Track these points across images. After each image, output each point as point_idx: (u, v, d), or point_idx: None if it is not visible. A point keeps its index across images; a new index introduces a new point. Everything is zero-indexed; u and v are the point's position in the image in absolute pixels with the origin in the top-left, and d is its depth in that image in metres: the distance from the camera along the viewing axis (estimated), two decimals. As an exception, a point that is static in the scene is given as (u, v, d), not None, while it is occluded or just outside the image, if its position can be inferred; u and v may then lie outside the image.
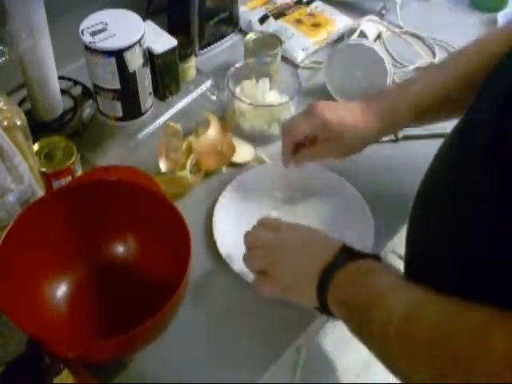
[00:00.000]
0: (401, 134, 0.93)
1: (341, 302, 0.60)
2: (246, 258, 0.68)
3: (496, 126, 0.47)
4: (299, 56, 1.06)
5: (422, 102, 0.74)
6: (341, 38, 1.11)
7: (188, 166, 0.84)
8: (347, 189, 0.84)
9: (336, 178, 0.85)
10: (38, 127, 0.86)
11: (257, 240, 0.68)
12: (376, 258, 0.62)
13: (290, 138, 0.77)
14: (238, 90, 0.94)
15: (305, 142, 0.77)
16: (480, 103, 0.54)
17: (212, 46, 1.08)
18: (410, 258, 0.66)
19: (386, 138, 0.94)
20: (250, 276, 0.70)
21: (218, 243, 0.76)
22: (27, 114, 0.74)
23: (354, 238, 0.78)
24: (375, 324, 0.54)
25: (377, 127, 0.75)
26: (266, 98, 0.94)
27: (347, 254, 0.61)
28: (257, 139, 0.91)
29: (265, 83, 0.94)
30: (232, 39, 1.11)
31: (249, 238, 0.69)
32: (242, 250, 0.69)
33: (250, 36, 1.01)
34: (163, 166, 0.84)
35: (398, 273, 0.60)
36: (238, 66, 0.94)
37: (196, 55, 1.03)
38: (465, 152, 0.53)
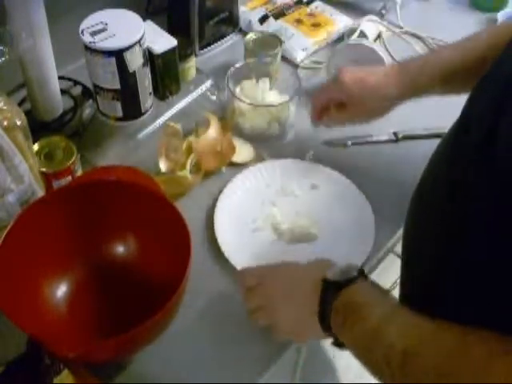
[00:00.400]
0: (401, 134, 0.94)
1: (345, 343, 0.59)
2: (245, 300, 0.68)
3: (491, 123, 0.47)
4: (299, 56, 1.06)
5: (450, 67, 0.75)
6: (341, 38, 1.11)
7: (188, 166, 0.84)
8: (348, 187, 0.84)
9: (337, 175, 0.86)
10: (38, 127, 0.86)
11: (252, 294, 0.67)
12: (360, 273, 0.60)
13: (317, 100, 0.85)
14: (238, 89, 0.94)
15: (330, 106, 0.83)
16: (475, 101, 0.54)
17: (212, 46, 1.08)
18: (407, 257, 0.66)
19: (386, 138, 0.94)
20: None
21: (219, 240, 0.77)
22: (27, 114, 0.74)
23: (354, 237, 0.79)
24: (378, 363, 0.53)
25: (398, 88, 0.78)
26: (266, 97, 0.94)
27: (331, 289, 0.59)
28: (257, 139, 0.92)
29: (265, 83, 0.94)
30: (232, 39, 1.11)
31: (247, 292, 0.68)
32: (243, 248, 0.70)
33: (250, 36, 1.01)
34: (163, 166, 0.84)
35: (385, 296, 0.58)
36: (237, 65, 0.94)
37: (196, 55, 1.03)
38: (461, 150, 0.53)
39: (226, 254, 0.75)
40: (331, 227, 0.80)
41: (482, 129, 0.48)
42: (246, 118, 0.92)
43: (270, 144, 0.92)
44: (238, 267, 0.73)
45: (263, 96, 0.93)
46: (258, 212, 0.81)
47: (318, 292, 0.59)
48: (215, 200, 0.82)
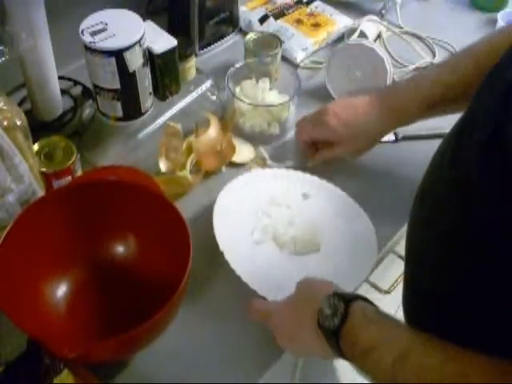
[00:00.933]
0: (401, 134, 0.94)
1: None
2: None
3: (496, 123, 0.47)
4: (299, 56, 1.06)
5: (432, 99, 0.77)
6: (341, 38, 1.11)
7: (188, 166, 0.84)
8: (340, 196, 0.84)
9: (327, 185, 0.85)
10: (38, 127, 0.86)
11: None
12: (346, 304, 0.57)
13: (303, 140, 0.86)
14: (237, 89, 0.94)
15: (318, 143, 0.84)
16: (479, 101, 0.54)
17: (212, 46, 1.08)
18: (409, 255, 0.65)
19: (386, 138, 0.94)
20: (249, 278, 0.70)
21: (218, 239, 0.75)
22: (27, 114, 0.74)
23: (357, 239, 0.79)
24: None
25: (387, 125, 0.79)
26: (266, 97, 0.94)
27: (332, 336, 0.57)
28: (257, 139, 0.92)
29: (265, 83, 0.94)
30: (232, 39, 1.11)
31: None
32: (245, 257, 0.72)
33: (250, 36, 1.01)
34: (163, 166, 0.84)
35: (381, 324, 0.56)
36: (238, 66, 0.94)
37: (196, 55, 1.03)
38: (465, 150, 0.53)
39: (227, 257, 0.74)
40: (331, 237, 0.79)
41: (488, 127, 0.48)
42: (246, 118, 0.92)
43: (271, 144, 0.92)
44: (238, 271, 0.72)
45: (263, 96, 0.94)
46: (254, 223, 0.80)
47: (321, 337, 0.58)
48: (215, 200, 0.82)
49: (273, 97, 0.95)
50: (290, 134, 0.94)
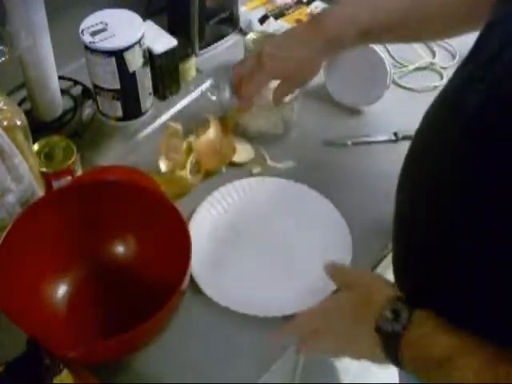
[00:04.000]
0: (401, 134, 0.94)
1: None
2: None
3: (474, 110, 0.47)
4: (299, 56, 1.06)
5: (369, 27, 0.74)
6: (341, 38, 1.11)
7: (188, 166, 0.84)
8: (327, 206, 0.83)
9: (316, 195, 0.84)
10: (38, 127, 0.86)
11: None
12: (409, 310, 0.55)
13: (250, 91, 0.81)
14: None
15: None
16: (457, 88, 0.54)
17: (212, 46, 1.08)
18: (397, 248, 0.65)
19: (386, 138, 0.94)
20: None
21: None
22: (27, 114, 0.75)
23: (330, 245, 0.79)
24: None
25: (324, 54, 0.79)
26: (269, 96, 0.93)
27: (391, 342, 0.54)
28: (260, 139, 0.91)
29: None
30: (232, 39, 1.11)
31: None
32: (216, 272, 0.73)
33: (250, 36, 1.01)
34: (163, 166, 0.84)
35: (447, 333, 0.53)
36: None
37: (196, 55, 1.03)
38: (442, 140, 0.52)
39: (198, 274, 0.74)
40: (305, 244, 0.80)
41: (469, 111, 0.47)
42: (250, 118, 0.91)
43: (271, 144, 0.92)
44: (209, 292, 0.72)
45: (266, 95, 0.93)
46: (236, 226, 0.81)
47: (378, 344, 0.55)
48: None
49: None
50: (295, 133, 0.93)
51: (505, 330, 0.48)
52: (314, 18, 0.81)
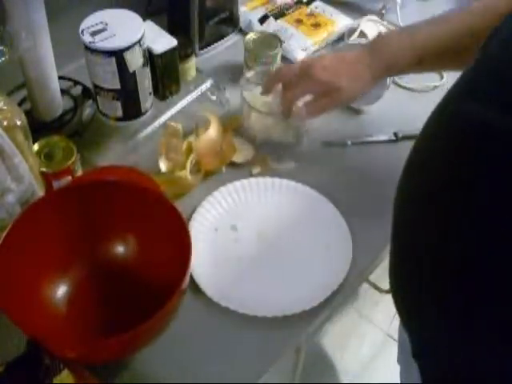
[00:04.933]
0: (401, 134, 0.94)
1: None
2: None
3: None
4: (299, 56, 1.06)
5: (424, 52, 0.76)
6: (341, 38, 1.11)
7: (188, 166, 0.84)
8: (320, 201, 0.84)
9: (316, 195, 0.84)
10: (38, 127, 0.86)
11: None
12: None
13: (289, 98, 0.83)
14: (249, 96, 0.90)
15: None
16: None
17: (212, 46, 1.08)
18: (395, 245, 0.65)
19: (386, 138, 0.94)
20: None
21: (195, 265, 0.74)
22: (27, 114, 0.75)
23: (332, 245, 0.79)
24: None
25: (377, 74, 0.80)
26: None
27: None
28: (271, 147, 0.90)
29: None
30: (232, 39, 1.11)
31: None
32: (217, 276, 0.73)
33: (250, 36, 1.01)
34: (163, 166, 0.84)
35: None
36: (249, 75, 0.92)
37: (196, 55, 1.03)
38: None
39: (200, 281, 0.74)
40: (305, 244, 0.80)
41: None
42: (259, 126, 0.89)
43: (271, 145, 0.91)
44: (209, 292, 0.72)
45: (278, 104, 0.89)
46: (231, 226, 0.81)
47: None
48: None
49: None
50: (306, 142, 0.92)
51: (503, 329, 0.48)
52: (369, 45, 0.82)
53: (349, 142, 0.92)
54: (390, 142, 0.93)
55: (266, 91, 0.87)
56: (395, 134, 0.94)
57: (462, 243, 0.50)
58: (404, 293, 0.59)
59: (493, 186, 0.46)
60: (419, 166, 0.57)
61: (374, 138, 0.94)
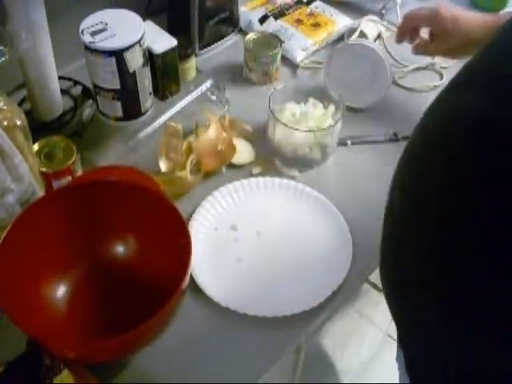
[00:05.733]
0: (401, 134, 0.94)
1: None
2: None
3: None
4: (299, 56, 1.06)
5: None
6: (341, 38, 1.11)
7: (188, 166, 0.84)
8: (324, 204, 0.83)
9: (316, 195, 0.84)
10: (38, 127, 0.86)
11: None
12: None
13: (409, 19, 0.94)
14: (279, 111, 0.89)
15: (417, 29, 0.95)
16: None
17: (212, 46, 1.08)
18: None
19: (386, 138, 0.94)
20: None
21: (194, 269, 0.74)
22: (27, 114, 0.74)
23: (332, 246, 0.79)
24: None
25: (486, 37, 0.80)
26: (309, 121, 0.89)
27: None
28: (297, 163, 0.89)
29: (310, 107, 0.90)
30: (232, 39, 1.11)
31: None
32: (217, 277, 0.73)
33: (250, 36, 1.01)
34: (163, 166, 0.84)
35: None
36: (279, 87, 0.90)
37: (196, 55, 1.03)
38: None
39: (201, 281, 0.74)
40: (306, 245, 0.80)
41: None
42: (286, 141, 0.87)
43: (311, 169, 0.90)
44: (211, 293, 0.72)
45: (306, 119, 0.89)
46: (231, 226, 0.81)
47: None
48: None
49: (314, 121, 0.89)
50: (331, 159, 0.91)
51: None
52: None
53: (349, 142, 0.92)
54: (390, 141, 0.93)
55: (400, 36, 0.96)
56: (395, 134, 0.94)
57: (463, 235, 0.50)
58: (400, 292, 0.59)
59: (492, 176, 0.45)
60: (416, 156, 0.57)
61: (374, 138, 0.94)
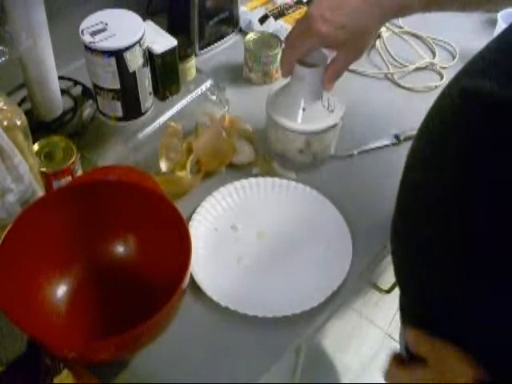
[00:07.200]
0: (402, 136, 0.93)
1: None
2: None
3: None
4: (299, 56, 1.06)
5: None
6: (341, 38, 1.11)
7: (188, 166, 0.84)
8: (324, 204, 0.83)
9: (316, 195, 0.84)
10: (38, 127, 0.86)
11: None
12: None
13: (292, 55, 0.76)
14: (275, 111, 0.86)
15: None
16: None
17: (212, 46, 1.08)
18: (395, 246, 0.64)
19: (388, 143, 0.93)
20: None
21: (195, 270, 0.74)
22: (27, 114, 0.74)
23: (331, 248, 0.79)
24: None
25: (380, 21, 0.73)
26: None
27: None
28: (289, 164, 0.88)
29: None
30: (232, 39, 1.11)
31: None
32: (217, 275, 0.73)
33: (250, 36, 1.01)
34: (163, 166, 0.84)
35: None
36: (275, 89, 0.87)
37: (196, 55, 1.03)
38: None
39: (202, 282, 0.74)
40: (304, 246, 0.80)
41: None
42: (283, 144, 0.87)
43: (303, 171, 0.89)
44: (209, 291, 0.73)
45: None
46: (233, 229, 0.81)
47: None
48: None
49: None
50: (331, 160, 0.90)
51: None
52: None
53: (355, 152, 0.91)
54: (391, 143, 0.93)
55: (284, 69, 0.80)
56: (396, 137, 0.94)
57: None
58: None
59: (503, 160, 0.45)
60: (429, 142, 0.57)
61: (379, 144, 0.93)
